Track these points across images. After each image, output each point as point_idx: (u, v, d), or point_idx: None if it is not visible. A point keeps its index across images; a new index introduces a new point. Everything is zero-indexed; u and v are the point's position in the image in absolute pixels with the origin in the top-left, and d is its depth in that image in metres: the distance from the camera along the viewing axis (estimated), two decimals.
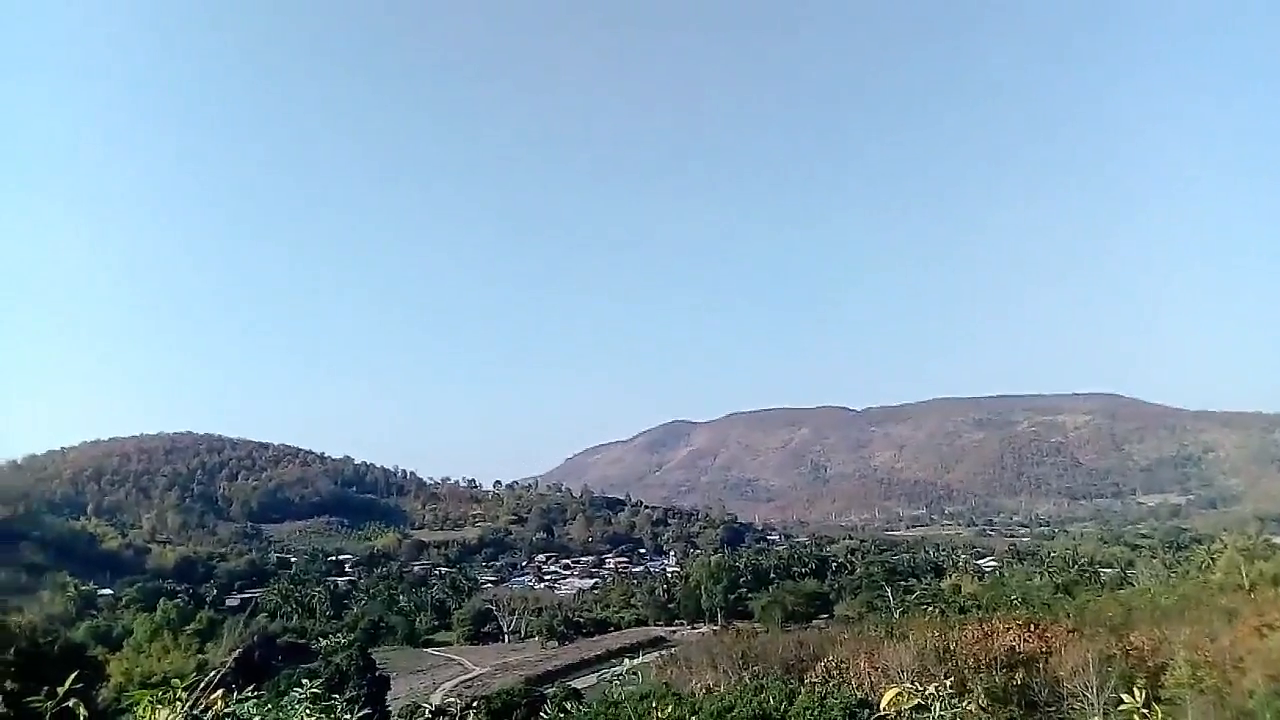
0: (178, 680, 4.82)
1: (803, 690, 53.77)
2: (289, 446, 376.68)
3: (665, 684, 67.80)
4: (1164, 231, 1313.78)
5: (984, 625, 60.97)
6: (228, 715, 5.09)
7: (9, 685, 34.20)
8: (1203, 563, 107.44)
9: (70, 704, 4.60)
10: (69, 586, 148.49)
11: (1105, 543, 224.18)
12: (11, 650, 42.55)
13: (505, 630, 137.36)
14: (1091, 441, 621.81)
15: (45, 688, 4.60)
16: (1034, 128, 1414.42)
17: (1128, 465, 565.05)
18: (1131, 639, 53.15)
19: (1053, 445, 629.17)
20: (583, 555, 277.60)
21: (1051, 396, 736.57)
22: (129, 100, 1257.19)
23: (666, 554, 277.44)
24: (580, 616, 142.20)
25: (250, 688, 6.00)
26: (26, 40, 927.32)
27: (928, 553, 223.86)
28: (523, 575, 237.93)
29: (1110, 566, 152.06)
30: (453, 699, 79.71)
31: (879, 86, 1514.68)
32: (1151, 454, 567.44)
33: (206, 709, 4.83)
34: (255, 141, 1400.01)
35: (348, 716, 6.56)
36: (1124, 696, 4.93)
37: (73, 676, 4.60)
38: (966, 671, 51.17)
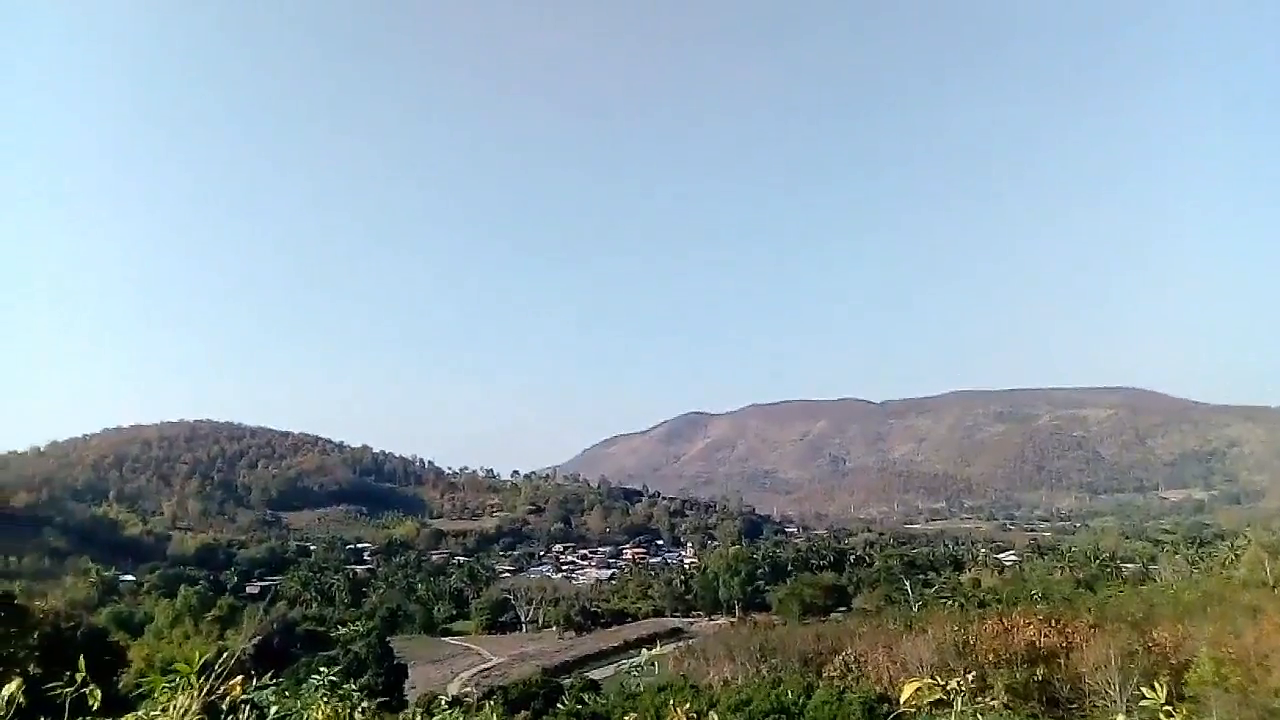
0: (184, 664, 4.74)
1: (821, 684, 53.86)
2: (308, 435, 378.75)
3: (683, 676, 68.04)
4: (1189, 225, 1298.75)
5: (1004, 620, 60.72)
6: (245, 702, 5.06)
7: (32, 670, 34.51)
8: (1226, 559, 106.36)
9: (87, 690, 4.58)
10: (91, 572, 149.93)
11: (1127, 538, 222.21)
12: (35, 635, 42.97)
13: (523, 620, 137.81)
14: (1113, 435, 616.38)
15: (67, 673, 4.59)
16: (1056, 122, 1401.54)
17: (1150, 460, 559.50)
18: (1154, 635, 52.77)
19: (1074, 439, 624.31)
20: (600, 546, 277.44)
21: (1073, 390, 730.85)
22: (134, 95, 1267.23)
23: (684, 545, 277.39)
24: (597, 607, 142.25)
25: (269, 675, 5.98)
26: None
27: (947, 546, 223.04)
28: (540, 565, 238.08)
29: (1132, 562, 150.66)
30: (470, 688, 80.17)
31: (892, 79, 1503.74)
32: (1175, 448, 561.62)
33: (224, 695, 4.80)
34: (268, 133, 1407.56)
35: (365, 704, 6.54)
36: (1146, 693, 4.83)
37: (81, 661, 4.58)
38: (987, 666, 50.95)
